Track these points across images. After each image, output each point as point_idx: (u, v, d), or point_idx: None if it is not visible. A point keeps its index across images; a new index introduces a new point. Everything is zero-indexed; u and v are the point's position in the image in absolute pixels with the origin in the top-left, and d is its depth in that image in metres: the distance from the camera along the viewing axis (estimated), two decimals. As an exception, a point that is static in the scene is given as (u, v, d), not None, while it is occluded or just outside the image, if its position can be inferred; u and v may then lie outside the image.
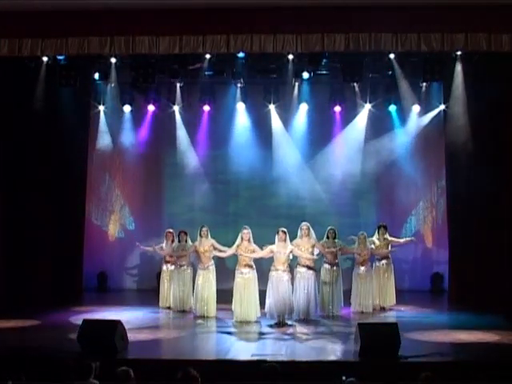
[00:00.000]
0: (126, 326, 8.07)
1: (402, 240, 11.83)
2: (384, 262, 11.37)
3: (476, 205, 11.47)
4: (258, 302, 9.99)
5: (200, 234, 10.66)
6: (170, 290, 11.28)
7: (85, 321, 7.93)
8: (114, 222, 14.29)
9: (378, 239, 11.37)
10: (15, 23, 9.50)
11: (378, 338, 7.49)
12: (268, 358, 7.32)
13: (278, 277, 9.74)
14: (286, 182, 13.99)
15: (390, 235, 11.55)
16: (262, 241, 10.21)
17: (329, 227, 10.88)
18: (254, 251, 9.98)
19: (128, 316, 10.12)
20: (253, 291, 9.98)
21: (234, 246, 10.05)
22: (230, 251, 10.21)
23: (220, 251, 10.47)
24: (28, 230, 11.38)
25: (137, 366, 6.12)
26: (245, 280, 9.97)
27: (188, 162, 14.10)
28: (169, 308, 11.25)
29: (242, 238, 9.97)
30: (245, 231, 10.00)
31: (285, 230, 9.87)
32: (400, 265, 13.43)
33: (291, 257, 9.99)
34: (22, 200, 11.26)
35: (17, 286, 11.07)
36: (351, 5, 9.29)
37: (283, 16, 9.37)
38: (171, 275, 11.34)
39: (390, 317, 10.62)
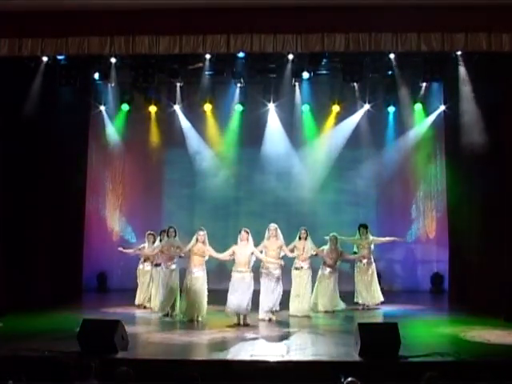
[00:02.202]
0: (126, 326, 8.06)
1: (384, 239, 11.66)
2: (365, 261, 11.37)
3: (476, 205, 11.46)
4: (204, 301, 10.05)
5: (167, 235, 10.70)
6: (149, 288, 11.44)
7: (85, 320, 7.91)
8: (114, 221, 14.29)
9: (359, 239, 11.36)
10: (15, 23, 9.49)
11: (378, 338, 7.49)
12: (268, 359, 7.33)
13: (240, 278, 9.74)
14: (286, 181, 14.00)
15: (373, 234, 11.57)
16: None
17: (301, 228, 10.82)
18: (205, 253, 10.06)
19: (128, 316, 10.12)
20: (199, 290, 10.02)
21: (189, 245, 10.10)
22: (184, 250, 10.27)
23: (180, 251, 10.49)
24: (28, 230, 11.37)
25: (137, 365, 6.13)
26: (194, 279, 10.02)
27: (188, 161, 14.10)
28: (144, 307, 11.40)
29: (196, 240, 10.05)
30: (201, 233, 10.07)
31: (247, 230, 9.91)
32: (400, 265, 13.47)
33: (253, 261, 9.94)
34: (22, 200, 11.25)
35: (17, 285, 11.05)
36: (351, 5, 9.28)
37: (283, 16, 9.37)
38: (150, 274, 11.49)
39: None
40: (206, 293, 10.12)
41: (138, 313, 11.13)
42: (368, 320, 10.11)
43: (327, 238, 11.11)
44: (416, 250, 13.81)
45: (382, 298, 11.41)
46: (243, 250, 9.83)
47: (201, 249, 10.08)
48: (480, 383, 6.31)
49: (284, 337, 8.93)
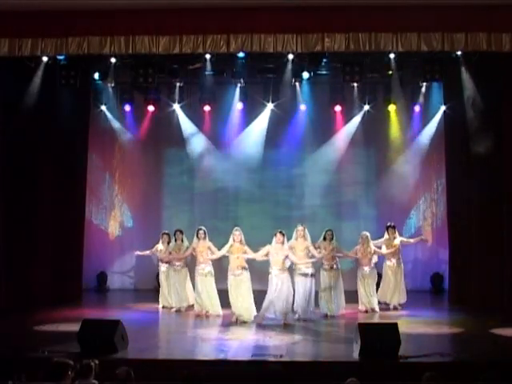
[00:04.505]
0: (126, 326, 8.06)
1: (411, 240, 11.87)
2: (394, 261, 11.37)
3: (476, 205, 11.47)
4: (252, 302, 9.98)
5: (197, 236, 10.66)
6: (167, 289, 11.37)
7: (85, 321, 7.92)
8: (114, 221, 14.30)
9: (388, 240, 11.36)
10: (15, 23, 9.49)
11: (378, 338, 7.49)
12: (268, 359, 7.33)
13: (277, 277, 9.71)
14: (286, 181, 13.99)
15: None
16: (261, 242, 10.19)
17: (326, 229, 10.80)
18: (245, 253, 10.01)
19: (128, 316, 10.12)
20: (246, 291, 9.97)
21: (226, 247, 10.07)
22: (221, 252, 10.24)
23: (213, 253, 10.47)
24: (28, 230, 11.38)
25: (137, 366, 6.12)
26: (237, 281, 9.98)
27: (188, 161, 14.10)
28: (166, 307, 11.36)
29: (233, 240, 10.02)
30: (236, 233, 10.04)
31: (283, 231, 9.86)
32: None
33: (288, 263, 9.93)
34: (22, 200, 11.26)
35: (17, 286, 11.07)
36: (351, 5, 9.29)
37: (283, 16, 9.37)
38: (167, 274, 11.43)
39: (396, 316, 10.63)
40: (251, 292, 10.01)
41: (142, 312, 11.16)
42: (368, 320, 10.12)
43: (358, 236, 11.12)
44: (416, 250, 13.79)
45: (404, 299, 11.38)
46: (279, 251, 9.77)
47: (240, 249, 9.99)
48: (480, 383, 6.30)
49: (284, 337, 8.93)
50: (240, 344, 8.47)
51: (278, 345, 8.31)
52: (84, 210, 13.39)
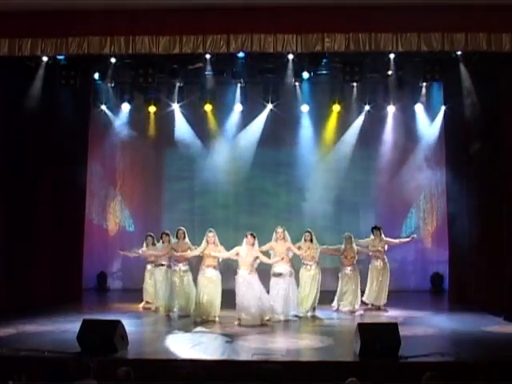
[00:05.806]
0: (126, 326, 8.06)
1: (397, 241, 11.75)
2: (380, 261, 11.38)
3: (476, 205, 11.46)
4: (218, 303, 10.05)
5: (176, 236, 10.72)
6: (153, 287, 11.41)
7: (85, 321, 7.92)
8: (115, 221, 14.30)
9: (374, 240, 11.37)
10: (15, 23, 9.50)
11: (377, 338, 7.49)
12: (268, 359, 7.33)
13: (243, 278, 9.75)
14: (286, 182, 13.99)
15: (386, 236, 11.55)
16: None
17: (305, 230, 10.87)
18: (219, 252, 10.09)
19: (128, 316, 10.12)
20: (214, 291, 10.02)
21: (200, 248, 10.15)
22: (194, 253, 10.32)
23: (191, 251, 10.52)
24: (28, 230, 11.37)
25: (137, 365, 6.13)
26: (207, 279, 10.04)
27: (188, 161, 14.10)
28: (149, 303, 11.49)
29: (207, 242, 10.08)
30: (210, 234, 10.12)
31: (254, 234, 9.95)
32: (400, 265, 13.45)
33: (256, 263, 9.99)
34: (22, 200, 11.25)
35: (17, 286, 11.06)
36: (351, 5, 9.29)
37: (283, 16, 9.38)
38: (151, 274, 11.49)
39: (385, 316, 10.67)
40: (219, 293, 10.08)
41: (141, 312, 11.17)
42: (368, 320, 10.12)
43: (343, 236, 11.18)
44: (416, 250, 13.80)
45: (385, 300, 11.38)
46: (248, 252, 9.84)
47: (213, 250, 10.07)
48: (480, 383, 6.30)
49: (284, 336, 8.92)
50: (240, 344, 8.46)
51: (278, 345, 8.31)
52: (84, 209, 13.39)
